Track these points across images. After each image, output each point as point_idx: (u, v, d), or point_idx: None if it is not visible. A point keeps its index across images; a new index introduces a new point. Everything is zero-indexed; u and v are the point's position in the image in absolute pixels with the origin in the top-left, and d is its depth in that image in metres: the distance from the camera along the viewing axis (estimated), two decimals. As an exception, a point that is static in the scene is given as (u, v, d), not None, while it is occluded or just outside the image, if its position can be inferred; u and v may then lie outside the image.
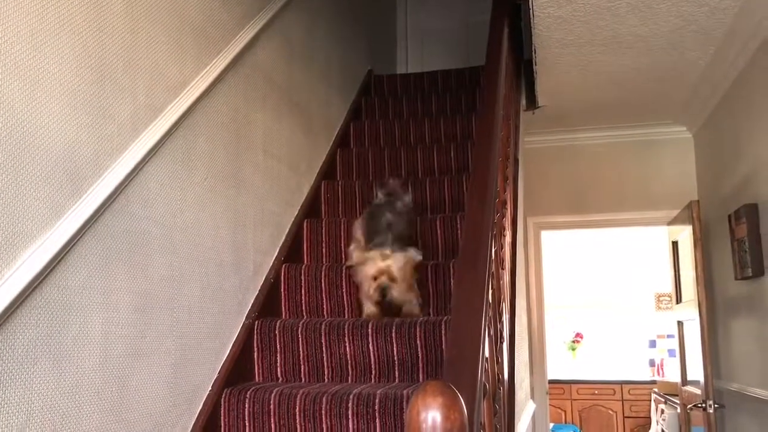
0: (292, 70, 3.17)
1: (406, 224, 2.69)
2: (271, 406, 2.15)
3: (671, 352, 7.39)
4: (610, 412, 7.75)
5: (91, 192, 1.71)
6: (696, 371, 3.95)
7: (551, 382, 5.62)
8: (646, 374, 7.85)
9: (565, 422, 7.76)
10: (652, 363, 7.95)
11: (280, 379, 2.44)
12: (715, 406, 3.74)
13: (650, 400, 6.96)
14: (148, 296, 1.92)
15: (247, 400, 2.18)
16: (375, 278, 2.47)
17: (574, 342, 8.22)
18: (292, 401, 2.14)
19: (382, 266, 2.46)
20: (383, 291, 2.46)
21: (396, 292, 2.47)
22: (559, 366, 7.85)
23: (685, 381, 4.39)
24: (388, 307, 2.49)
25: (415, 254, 2.53)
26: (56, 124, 1.62)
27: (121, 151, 1.85)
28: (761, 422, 3.47)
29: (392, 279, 2.45)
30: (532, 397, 4.35)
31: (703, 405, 3.75)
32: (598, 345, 8.15)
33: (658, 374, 7.72)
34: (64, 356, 1.59)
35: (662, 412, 5.63)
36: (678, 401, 4.71)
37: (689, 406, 4.13)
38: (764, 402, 3.36)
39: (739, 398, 3.77)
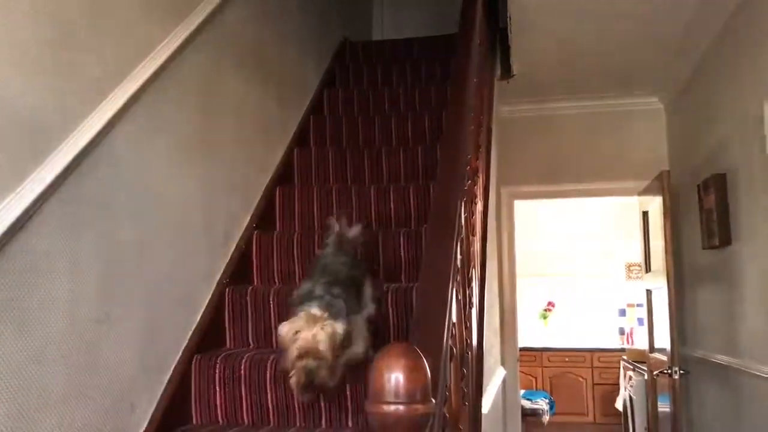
0: (264, 35, 3.13)
1: (350, 265, 2.13)
2: (242, 372, 2.16)
3: (640, 321, 7.53)
4: (580, 379, 7.92)
5: (54, 156, 1.67)
6: (663, 339, 4.04)
7: (522, 349, 5.72)
8: (615, 342, 8.02)
9: (536, 389, 7.92)
10: (621, 331, 8.12)
11: (252, 345, 2.45)
12: (681, 372, 3.84)
13: (619, 368, 7.12)
14: (117, 262, 1.91)
15: (217, 366, 2.19)
16: (300, 357, 1.83)
17: (545, 310, 8.35)
18: (262, 367, 2.15)
19: (307, 342, 1.82)
20: (310, 374, 1.83)
21: (326, 374, 1.85)
22: (531, 334, 7.98)
23: (652, 348, 4.49)
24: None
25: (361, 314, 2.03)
26: (17, 85, 1.58)
27: (87, 114, 1.81)
28: (723, 387, 3.57)
29: (319, 357, 1.82)
30: (503, 363, 4.42)
31: (669, 371, 3.84)
32: (569, 313, 8.29)
33: (628, 342, 7.88)
34: (29, 321, 1.57)
35: (630, 378, 5.75)
36: (645, 368, 4.82)
37: (656, 373, 4.24)
38: (726, 368, 3.46)
39: (703, 364, 3.87)
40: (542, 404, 7.48)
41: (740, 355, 3.31)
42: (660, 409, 4.36)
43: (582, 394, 7.93)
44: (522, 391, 7.32)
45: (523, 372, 7.40)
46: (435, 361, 1.13)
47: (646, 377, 4.76)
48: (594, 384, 7.91)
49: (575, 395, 7.92)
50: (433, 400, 0.95)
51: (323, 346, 1.81)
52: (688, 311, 4.22)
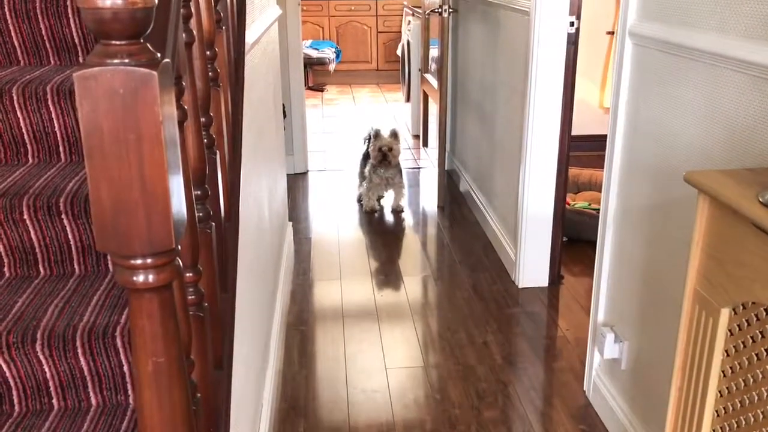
0: None
1: None
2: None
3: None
4: (365, 27, 8.06)
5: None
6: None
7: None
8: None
9: (323, 38, 8.03)
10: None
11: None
12: (450, 10, 3.97)
13: (402, 15, 7.22)
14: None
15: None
16: None
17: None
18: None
19: None
20: None
21: None
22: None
23: (428, -7, 4.69)
24: None
25: None
26: None
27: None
28: (485, 20, 3.71)
29: None
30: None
31: (440, 10, 3.97)
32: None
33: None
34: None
35: (409, 23, 5.91)
36: (422, 11, 5.03)
37: (428, 12, 4.58)
38: (488, 3, 3.59)
39: (468, 4, 4.10)
40: (329, 53, 7.63)
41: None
42: (431, 54, 4.79)
43: (367, 42, 8.09)
44: (309, 41, 7.59)
45: (310, 22, 7.69)
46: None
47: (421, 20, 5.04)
48: (378, 32, 8.06)
49: (360, 44, 8.09)
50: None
51: None
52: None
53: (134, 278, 0.75)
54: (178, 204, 0.76)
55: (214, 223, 1.23)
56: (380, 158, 4.00)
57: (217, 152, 1.35)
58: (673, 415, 1.31)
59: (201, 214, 1.17)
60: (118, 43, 0.67)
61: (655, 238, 1.84)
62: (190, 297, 1.08)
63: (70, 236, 1.52)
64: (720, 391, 1.17)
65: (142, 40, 0.69)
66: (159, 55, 0.70)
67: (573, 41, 2.76)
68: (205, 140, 1.23)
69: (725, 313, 1.13)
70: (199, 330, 1.10)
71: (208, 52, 1.30)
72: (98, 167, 0.71)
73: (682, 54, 1.63)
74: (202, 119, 1.22)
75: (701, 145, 1.58)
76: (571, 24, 2.74)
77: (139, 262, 0.74)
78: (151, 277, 0.75)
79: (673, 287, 1.73)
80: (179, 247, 0.81)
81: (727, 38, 1.45)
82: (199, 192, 1.16)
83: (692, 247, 1.20)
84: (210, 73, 1.32)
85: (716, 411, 1.19)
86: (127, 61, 0.67)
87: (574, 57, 2.79)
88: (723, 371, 1.16)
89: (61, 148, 1.71)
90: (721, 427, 1.18)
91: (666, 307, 1.79)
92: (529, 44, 2.80)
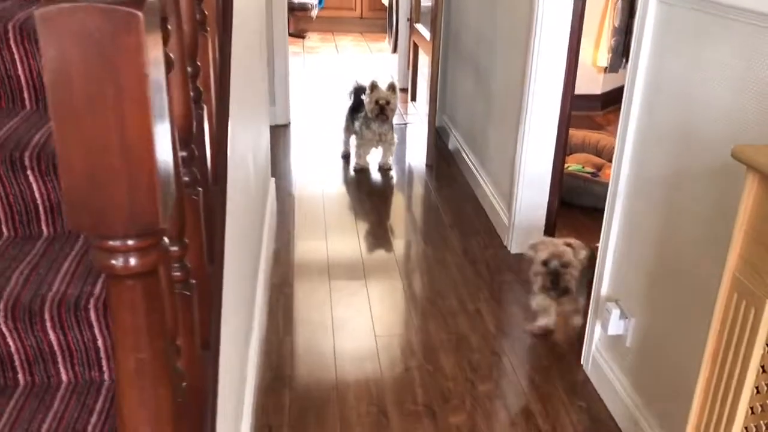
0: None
1: None
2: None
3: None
4: None
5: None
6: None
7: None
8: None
9: None
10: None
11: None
12: None
13: None
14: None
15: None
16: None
17: None
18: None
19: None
20: None
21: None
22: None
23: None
24: None
25: None
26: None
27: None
28: None
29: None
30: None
31: None
32: None
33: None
34: None
35: None
36: None
37: None
38: None
39: None
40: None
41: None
42: (423, 4, 4.65)
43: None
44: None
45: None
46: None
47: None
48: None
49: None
50: None
51: None
52: None
53: (113, 262, 0.63)
54: (166, 173, 0.62)
55: (201, 189, 1.09)
56: (377, 111, 3.78)
57: (204, 107, 1.20)
58: (699, 407, 1.21)
59: (187, 179, 1.03)
60: (91, -26, 0.53)
61: (671, 210, 1.73)
62: (175, 274, 0.95)
63: (36, 194, 1.37)
64: (757, 387, 1.07)
65: (121, -29, 0.54)
66: (144, -9, 0.55)
67: (581, -5, 2.60)
68: (192, 94, 1.08)
69: (771, 305, 1.03)
70: (185, 311, 0.97)
71: (196, -10, 1.14)
72: (68, 128, 0.57)
73: (716, 12, 1.49)
74: (189, 69, 1.07)
75: (735, 111, 1.45)
76: (580, -24, 2.58)
77: (118, 243, 0.62)
78: (133, 261, 0.63)
79: (690, 265, 1.63)
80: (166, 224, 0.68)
81: (776, -4, 1.31)
82: (185, 153, 1.01)
83: (735, 230, 1.08)
84: (197, 16, 1.16)
85: (751, 408, 1.09)
86: (103, -3, 0.53)
87: (581, 11, 2.64)
88: (762, 366, 1.06)
89: (25, 94, 1.54)
90: (755, 426, 1.08)
91: (680, 285, 1.69)
92: (534, -4, 2.63)
